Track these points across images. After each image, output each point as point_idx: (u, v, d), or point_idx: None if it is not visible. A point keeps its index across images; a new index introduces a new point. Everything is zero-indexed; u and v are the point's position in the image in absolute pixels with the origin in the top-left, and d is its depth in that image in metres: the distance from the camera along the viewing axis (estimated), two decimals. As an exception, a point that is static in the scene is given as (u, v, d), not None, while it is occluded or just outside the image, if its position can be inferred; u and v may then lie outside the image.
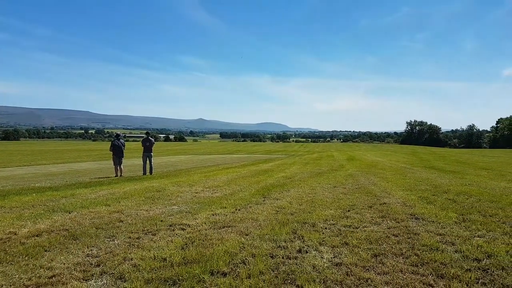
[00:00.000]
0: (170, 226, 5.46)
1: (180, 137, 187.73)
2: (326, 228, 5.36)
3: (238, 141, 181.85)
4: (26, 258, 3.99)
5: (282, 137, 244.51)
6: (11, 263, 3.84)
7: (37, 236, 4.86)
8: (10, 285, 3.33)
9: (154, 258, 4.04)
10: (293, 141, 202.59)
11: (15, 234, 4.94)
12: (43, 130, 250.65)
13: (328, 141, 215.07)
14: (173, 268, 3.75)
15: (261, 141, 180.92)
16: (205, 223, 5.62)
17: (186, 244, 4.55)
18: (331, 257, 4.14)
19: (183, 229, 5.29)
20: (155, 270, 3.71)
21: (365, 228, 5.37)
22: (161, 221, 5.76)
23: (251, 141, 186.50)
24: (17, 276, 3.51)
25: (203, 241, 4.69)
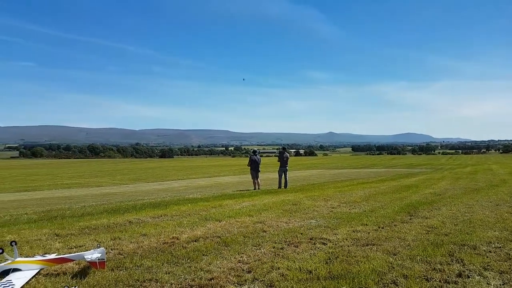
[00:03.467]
0: (310, 239, 5.48)
1: (310, 152, 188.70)
2: (490, 252, 4.64)
3: (373, 154, 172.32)
4: (188, 260, 4.48)
5: (425, 148, 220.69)
6: (176, 265, 4.35)
7: (195, 241, 5.42)
8: (178, 284, 3.76)
9: (300, 270, 4.08)
10: (438, 153, 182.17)
11: (177, 239, 5.60)
12: (192, 148, 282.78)
13: (484, 152, 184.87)
14: (320, 281, 3.73)
15: (399, 154, 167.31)
16: (346, 239, 5.46)
17: (329, 259, 4.49)
18: (500, 284, 3.57)
19: (324, 244, 5.24)
20: (302, 282, 3.74)
21: (545, 255, 4.45)
22: (301, 233, 5.83)
23: (387, 154, 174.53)
24: (182, 276, 3.95)
25: (347, 257, 4.56)
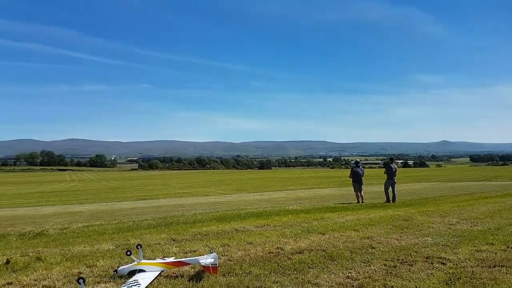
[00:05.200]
0: (426, 258, 5.01)
1: (420, 162, 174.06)
2: None
3: (496, 165, 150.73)
4: (295, 272, 4.45)
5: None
6: (283, 275, 4.36)
7: (299, 253, 5.38)
8: (286, 295, 3.75)
9: (417, 291, 3.75)
10: None
11: (282, 249, 5.62)
12: (289, 160, 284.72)
13: None
14: (441, 306, 3.37)
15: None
16: (469, 259, 4.88)
17: (450, 280, 4.06)
18: None
19: (442, 263, 4.75)
20: (421, 305, 3.42)
21: None
22: (415, 252, 5.37)
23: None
24: (290, 287, 3.94)
25: (470, 279, 4.08)
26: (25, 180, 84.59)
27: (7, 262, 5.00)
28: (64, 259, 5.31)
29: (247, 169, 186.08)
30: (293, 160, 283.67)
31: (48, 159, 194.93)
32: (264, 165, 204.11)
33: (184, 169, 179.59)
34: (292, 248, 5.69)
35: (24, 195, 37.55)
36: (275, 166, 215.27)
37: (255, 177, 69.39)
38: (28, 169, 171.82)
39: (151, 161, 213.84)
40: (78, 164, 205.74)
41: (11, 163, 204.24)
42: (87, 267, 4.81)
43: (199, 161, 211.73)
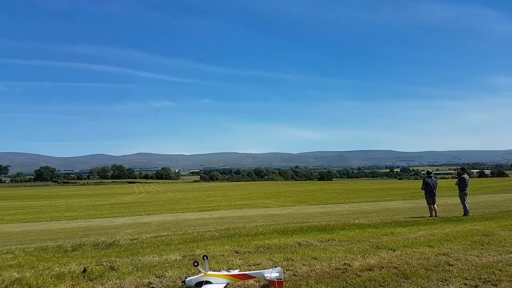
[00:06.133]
0: (514, 278, 4.49)
1: (498, 172, 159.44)
2: None
3: None
4: (365, 290, 4.20)
5: None
6: (353, 293, 4.13)
7: (369, 270, 5.09)
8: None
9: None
10: None
11: (350, 266, 5.36)
12: (351, 171, 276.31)
13: None
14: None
15: None
16: None
17: (548, 307, 3.56)
18: None
19: (534, 285, 4.21)
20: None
21: None
22: (499, 270, 4.87)
23: None
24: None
25: None
26: (97, 192, 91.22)
27: (84, 270, 5.30)
28: (135, 268, 5.52)
29: (306, 180, 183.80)
30: (356, 171, 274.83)
31: (118, 173, 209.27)
32: (324, 176, 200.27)
33: (243, 181, 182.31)
34: (360, 264, 5.40)
35: (97, 206, 40.37)
36: (336, 177, 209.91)
37: (315, 189, 68.21)
38: (100, 182, 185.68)
39: (212, 173, 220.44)
40: (146, 176, 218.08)
41: (85, 176, 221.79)
42: (156, 277, 4.94)
43: (258, 173, 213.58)
